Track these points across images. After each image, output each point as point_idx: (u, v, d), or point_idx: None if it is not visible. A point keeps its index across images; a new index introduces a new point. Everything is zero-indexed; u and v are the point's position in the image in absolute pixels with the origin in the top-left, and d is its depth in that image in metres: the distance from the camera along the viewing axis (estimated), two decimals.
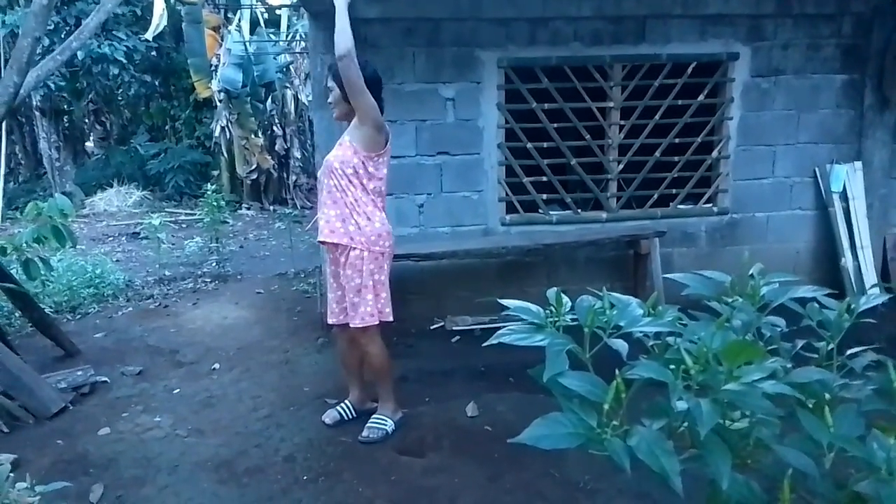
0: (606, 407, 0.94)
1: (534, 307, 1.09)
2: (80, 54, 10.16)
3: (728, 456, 0.91)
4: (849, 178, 5.05)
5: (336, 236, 3.16)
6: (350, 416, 3.50)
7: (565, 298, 1.09)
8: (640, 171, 4.99)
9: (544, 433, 0.94)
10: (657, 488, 2.56)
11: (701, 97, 4.93)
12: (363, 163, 3.12)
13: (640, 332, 1.06)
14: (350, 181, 3.13)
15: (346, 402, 3.55)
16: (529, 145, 4.84)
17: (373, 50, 4.55)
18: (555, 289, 1.11)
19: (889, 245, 5.23)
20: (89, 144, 15.04)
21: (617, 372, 0.99)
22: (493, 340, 1.07)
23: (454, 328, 4.77)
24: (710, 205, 5.13)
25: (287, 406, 3.74)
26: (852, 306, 1.19)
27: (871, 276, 5.03)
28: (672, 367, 0.97)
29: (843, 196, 5.08)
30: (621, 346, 1.03)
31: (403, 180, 4.69)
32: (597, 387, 0.98)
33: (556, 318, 1.06)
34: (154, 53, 12.72)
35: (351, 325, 3.25)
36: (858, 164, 5.08)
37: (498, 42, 4.70)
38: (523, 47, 4.73)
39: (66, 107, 13.09)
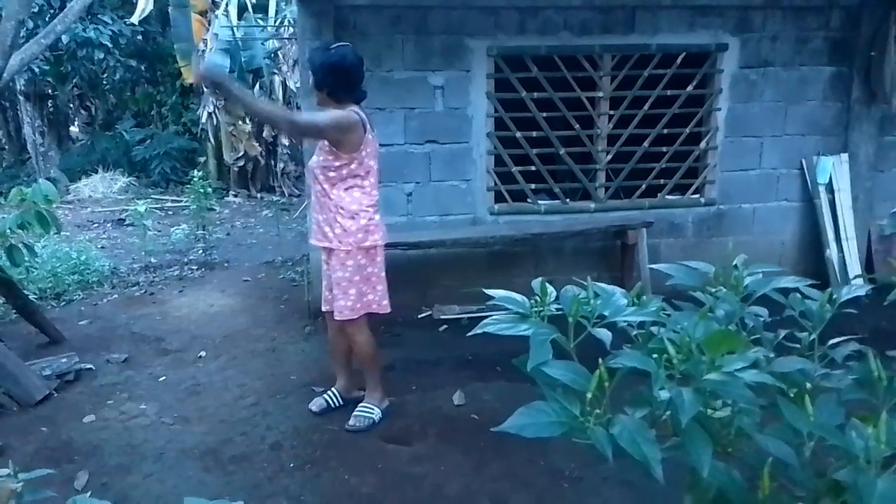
0: (589, 396, 0.94)
1: (519, 297, 1.09)
2: (64, 38, 10.01)
3: (709, 444, 0.92)
4: (835, 170, 5.09)
5: (325, 241, 3.18)
6: (337, 405, 3.50)
7: (550, 288, 1.09)
8: (629, 161, 5.00)
9: (527, 422, 0.94)
10: (641, 477, 2.59)
11: (690, 88, 4.94)
12: (344, 164, 3.06)
13: (624, 321, 1.07)
14: (333, 184, 3.10)
15: (333, 390, 3.55)
16: (518, 134, 4.83)
17: (361, 37, 4.52)
18: (539, 279, 1.12)
19: (873, 237, 5.28)
20: (74, 130, 14.86)
21: (600, 361, 0.99)
22: (477, 330, 1.07)
23: (441, 317, 4.77)
24: (698, 196, 5.15)
25: (273, 394, 3.74)
26: (834, 297, 1.20)
27: (855, 268, 5.08)
28: (655, 356, 0.98)
29: (829, 188, 5.11)
30: (605, 335, 1.04)
31: (392, 168, 4.67)
32: (580, 376, 0.98)
33: (541, 308, 1.06)
34: (140, 38, 12.55)
35: (335, 317, 3.26)
36: (845, 156, 5.12)
37: (487, 30, 4.68)
38: (513, 36, 4.71)
39: (50, 91, 12.91)
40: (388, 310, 3.29)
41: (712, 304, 1.15)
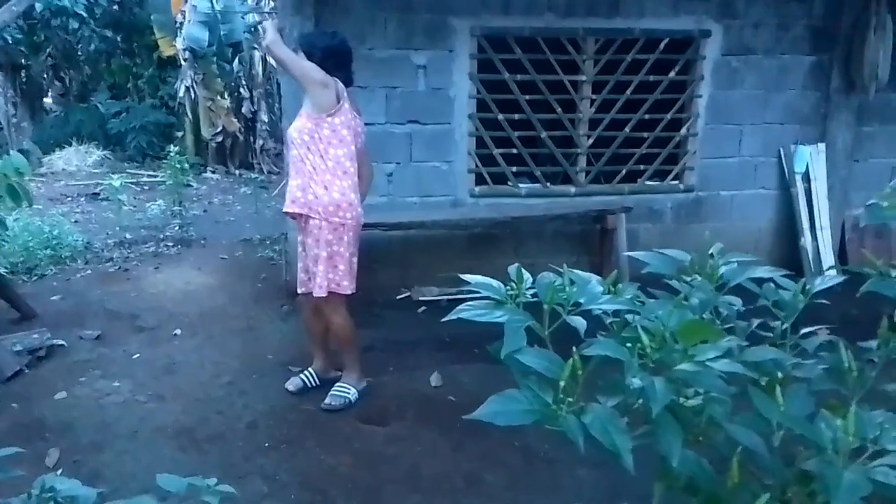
0: (562, 384, 0.94)
1: (495, 283, 1.09)
2: (38, 6, 9.74)
3: (679, 434, 0.93)
4: (812, 159, 5.14)
5: (296, 206, 3.20)
6: (313, 384, 3.50)
7: (526, 274, 1.09)
8: (610, 146, 5.00)
9: (500, 409, 0.94)
10: (611, 458, 2.63)
11: (672, 73, 4.94)
12: (316, 126, 3.14)
13: (600, 309, 1.07)
14: (308, 149, 3.16)
15: (310, 370, 3.54)
16: (500, 117, 4.81)
17: (343, 14, 4.45)
18: (515, 265, 1.11)
19: (847, 226, 5.36)
20: (47, 101, 14.49)
21: (574, 349, 0.99)
22: (451, 316, 1.06)
23: (420, 298, 4.77)
24: (677, 182, 5.18)
25: (250, 373, 3.72)
26: (807, 287, 1.21)
27: (829, 257, 5.15)
28: (629, 344, 0.98)
29: (806, 177, 5.17)
30: (579, 323, 1.04)
31: (372, 148, 4.58)
32: (554, 364, 0.98)
33: (517, 294, 1.06)
34: (116, 8, 12.24)
35: (314, 294, 3.24)
36: (822, 145, 5.17)
37: (472, 9, 4.63)
38: (497, 16, 4.66)
39: (23, 61, 12.57)
40: (349, 291, 3.27)
41: (687, 292, 1.16)
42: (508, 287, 1.07)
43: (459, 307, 1.05)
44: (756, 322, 1.26)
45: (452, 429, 3.12)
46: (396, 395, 3.46)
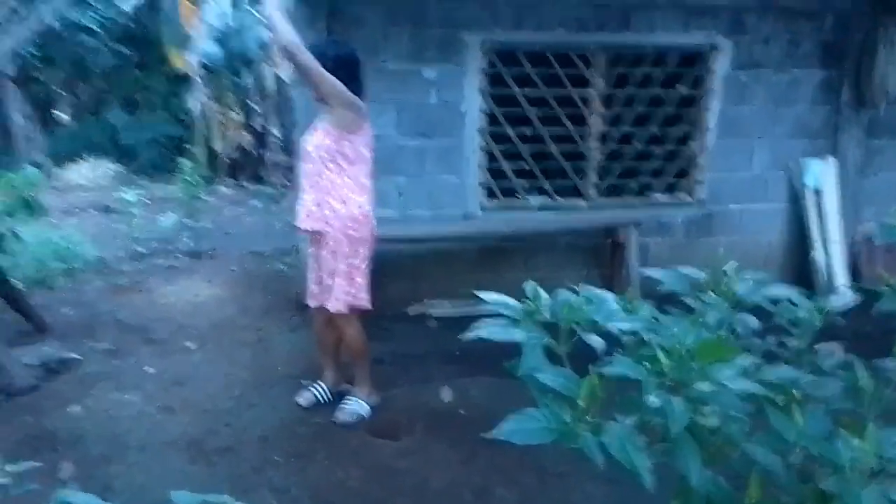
0: (580, 402, 0.95)
1: (511, 301, 1.09)
2: (52, 21, 9.87)
3: (698, 452, 0.93)
4: (822, 173, 5.13)
5: (311, 221, 3.17)
6: (324, 398, 3.50)
7: (542, 293, 1.10)
8: (620, 160, 5.01)
9: (518, 428, 0.94)
10: (627, 475, 2.61)
11: (682, 88, 4.95)
12: (336, 143, 3.10)
13: (616, 328, 1.07)
14: (325, 165, 3.11)
15: (320, 383, 3.54)
16: (511, 131, 4.83)
17: (356, 27, 4.49)
18: (532, 283, 1.12)
19: (858, 240, 5.33)
20: (60, 114, 14.67)
21: (591, 368, 0.99)
22: (470, 335, 1.07)
23: (431, 312, 4.77)
24: (687, 196, 5.17)
25: (259, 385, 3.72)
26: (823, 307, 1.21)
27: (839, 271, 5.12)
28: (646, 363, 0.99)
29: (816, 191, 5.15)
30: (597, 342, 1.04)
31: (383, 161, 4.61)
32: (571, 382, 0.99)
33: (533, 312, 1.06)
34: (129, 23, 12.40)
35: (328, 308, 3.25)
36: (832, 160, 5.15)
37: (483, 24, 4.66)
38: (508, 31, 4.70)
39: (37, 75, 12.74)
40: (368, 305, 3.27)
41: (702, 310, 1.16)
42: (524, 304, 1.08)
43: (477, 325, 1.06)
44: (771, 340, 1.26)
45: (463, 443, 3.11)
46: (407, 409, 3.46)
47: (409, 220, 4.81)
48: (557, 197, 5.04)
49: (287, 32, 2.98)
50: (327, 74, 3.02)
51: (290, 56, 3.02)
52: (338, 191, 3.12)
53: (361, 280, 3.23)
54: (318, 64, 3.00)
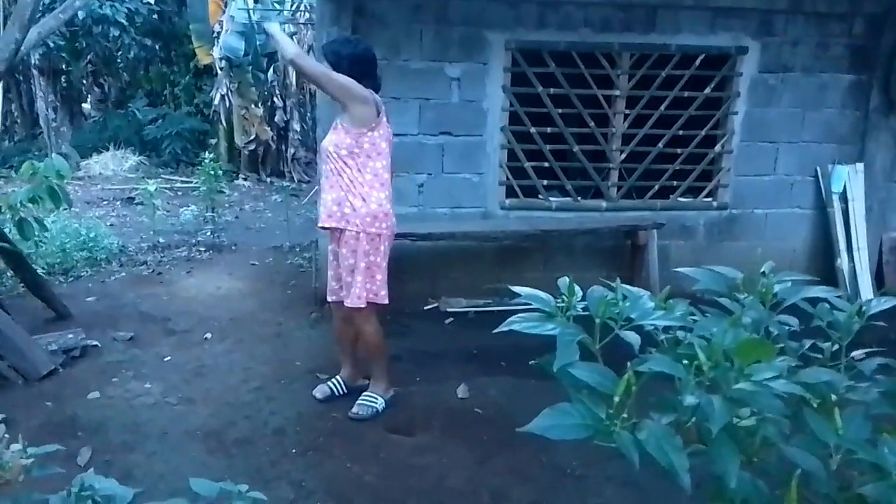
0: (616, 399, 0.93)
1: (544, 295, 1.08)
2: (80, 14, 9.99)
3: (736, 454, 0.91)
4: (850, 179, 5.05)
5: (333, 220, 3.19)
6: (341, 393, 3.50)
7: (577, 288, 1.08)
8: (642, 161, 4.97)
9: (553, 423, 0.93)
10: (645, 477, 2.58)
11: (707, 90, 4.89)
12: (356, 141, 3.11)
13: (652, 325, 1.05)
14: (345, 163, 3.13)
15: (338, 377, 3.55)
16: (533, 130, 4.81)
17: (380, 26, 4.49)
18: (566, 278, 1.10)
19: (885, 248, 5.24)
20: (86, 106, 14.83)
21: (628, 364, 0.98)
22: (503, 328, 1.06)
23: (448, 310, 4.76)
24: (710, 199, 5.12)
25: (278, 379, 3.74)
26: (863, 308, 1.18)
27: (865, 278, 5.04)
28: (684, 361, 0.97)
29: (843, 197, 5.07)
30: (633, 338, 1.02)
31: (404, 159, 4.64)
32: (607, 378, 0.97)
33: (567, 307, 1.05)
34: (156, 17, 12.52)
35: (346, 304, 3.25)
36: (860, 165, 5.07)
37: (507, 23, 4.64)
38: (532, 30, 4.67)
39: (64, 67, 12.89)
40: (386, 301, 3.28)
41: (738, 311, 1.14)
42: (558, 300, 1.06)
43: (511, 319, 1.04)
44: (808, 343, 1.24)
45: (479, 441, 3.10)
46: (423, 406, 3.45)
47: (429, 217, 4.80)
48: (578, 197, 5.01)
49: (290, 46, 3.21)
50: (334, 75, 3.08)
51: (297, 67, 3.26)
52: (358, 188, 3.13)
53: (381, 277, 3.23)
54: (322, 68, 3.11)
